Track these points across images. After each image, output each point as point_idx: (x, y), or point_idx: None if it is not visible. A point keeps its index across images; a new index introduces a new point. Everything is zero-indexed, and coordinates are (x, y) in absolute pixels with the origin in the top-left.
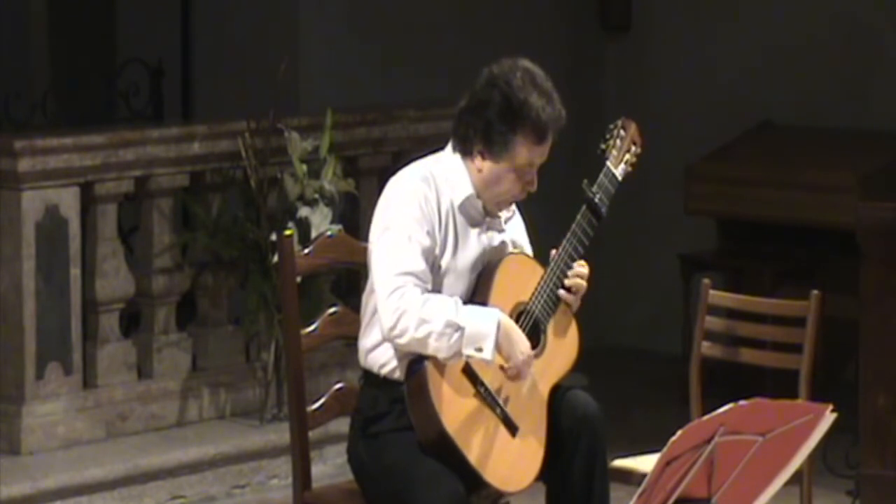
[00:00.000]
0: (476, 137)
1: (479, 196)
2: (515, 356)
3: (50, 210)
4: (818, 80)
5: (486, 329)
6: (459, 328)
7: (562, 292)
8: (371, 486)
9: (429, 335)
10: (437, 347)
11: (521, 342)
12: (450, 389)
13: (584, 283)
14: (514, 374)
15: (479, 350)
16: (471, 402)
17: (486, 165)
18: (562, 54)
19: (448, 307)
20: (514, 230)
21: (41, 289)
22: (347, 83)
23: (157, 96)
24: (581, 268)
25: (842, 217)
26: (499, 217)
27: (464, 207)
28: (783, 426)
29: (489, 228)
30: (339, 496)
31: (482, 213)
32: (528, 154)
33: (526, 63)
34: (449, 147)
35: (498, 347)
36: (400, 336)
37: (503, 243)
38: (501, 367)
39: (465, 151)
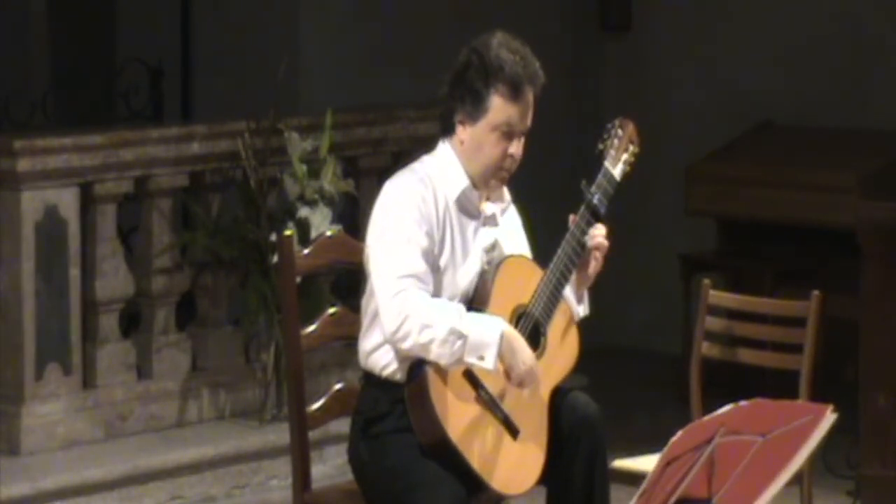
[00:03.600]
0: (457, 106)
1: (474, 184)
2: (518, 366)
3: (49, 210)
4: (818, 80)
5: (489, 338)
6: (462, 336)
7: (590, 240)
8: (372, 487)
9: (431, 341)
10: (439, 354)
11: (524, 352)
12: (451, 393)
13: (605, 241)
14: (516, 383)
15: (481, 359)
16: (472, 406)
17: (467, 133)
18: (562, 54)
19: (452, 314)
20: (509, 222)
21: (41, 289)
22: (347, 83)
23: (157, 96)
24: (599, 229)
25: (842, 217)
26: (493, 214)
27: (460, 201)
28: (783, 426)
29: (485, 223)
30: (339, 497)
31: (478, 208)
32: (504, 110)
33: (502, 32)
34: (439, 143)
35: (500, 357)
36: (402, 340)
37: (500, 239)
38: (505, 372)
39: (450, 129)
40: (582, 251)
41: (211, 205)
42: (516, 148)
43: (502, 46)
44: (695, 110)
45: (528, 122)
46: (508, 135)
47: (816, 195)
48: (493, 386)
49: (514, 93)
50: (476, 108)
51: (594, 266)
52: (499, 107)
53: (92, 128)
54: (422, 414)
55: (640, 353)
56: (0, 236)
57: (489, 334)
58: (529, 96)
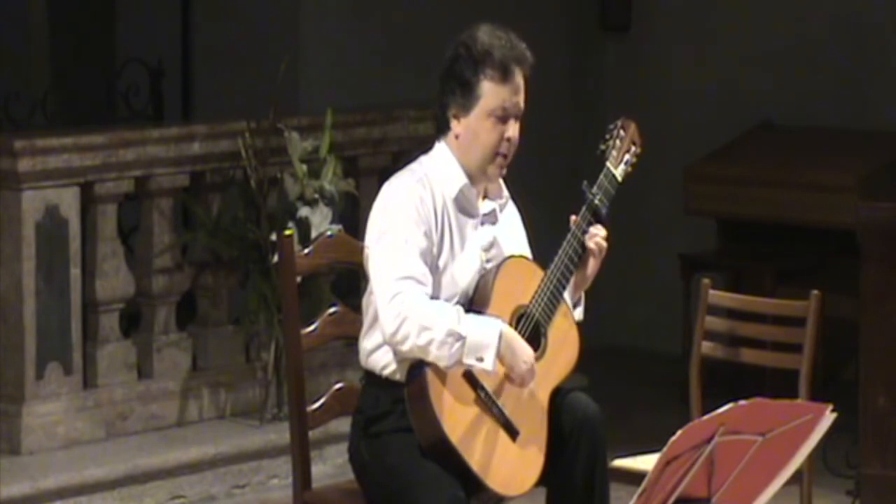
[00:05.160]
0: (450, 100)
1: (471, 180)
2: (518, 366)
3: (50, 210)
4: (818, 80)
5: (488, 339)
6: (461, 338)
7: (588, 239)
8: (372, 486)
9: (430, 343)
10: (437, 356)
11: (524, 352)
12: (450, 394)
13: (604, 243)
14: (518, 383)
15: (480, 360)
16: (471, 407)
17: (462, 124)
18: (562, 54)
19: (450, 316)
20: (509, 220)
21: (41, 289)
22: (347, 83)
23: (157, 96)
24: (598, 230)
25: (842, 217)
26: (492, 210)
27: (458, 200)
28: (783, 426)
29: (484, 221)
30: (339, 496)
31: (476, 207)
32: (496, 94)
33: (487, 24)
34: (436, 143)
35: (500, 357)
36: (401, 342)
37: (499, 237)
38: (505, 374)
39: (445, 127)
40: (583, 252)
41: (211, 205)
42: (513, 131)
43: (487, 34)
44: (695, 110)
45: (522, 103)
46: (503, 119)
47: (816, 195)
48: (492, 387)
49: (504, 74)
50: (468, 98)
51: (592, 267)
52: (490, 91)
53: (92, 128)
54: (421, 414)
55: (640, 353)
56: (0, 236)
57: (488, 335)
58: (519, 77)
